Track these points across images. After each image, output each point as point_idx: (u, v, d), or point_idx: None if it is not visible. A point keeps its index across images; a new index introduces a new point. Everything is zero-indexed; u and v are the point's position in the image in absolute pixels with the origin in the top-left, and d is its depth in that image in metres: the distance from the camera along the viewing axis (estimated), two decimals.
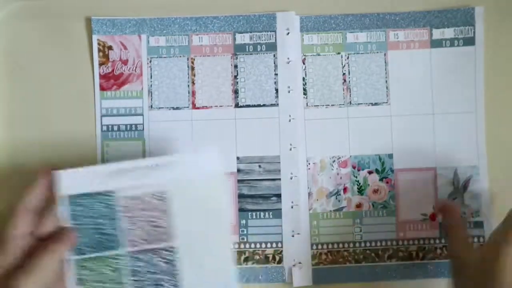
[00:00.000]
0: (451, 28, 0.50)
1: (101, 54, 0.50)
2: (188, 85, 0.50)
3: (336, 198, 0.50)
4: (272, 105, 0.50)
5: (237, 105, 0.50)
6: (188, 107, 0.50)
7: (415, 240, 0.50)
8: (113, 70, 0.50)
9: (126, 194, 0.43)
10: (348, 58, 0.50)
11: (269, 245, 0.49)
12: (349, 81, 0.50)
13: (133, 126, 0.50)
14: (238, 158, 0.50)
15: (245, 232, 0.50)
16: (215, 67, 0.50)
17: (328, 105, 0.50)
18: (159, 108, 0.50)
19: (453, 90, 0.50)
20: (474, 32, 0.50)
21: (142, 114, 0.50)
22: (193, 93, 0.50)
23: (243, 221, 0.50)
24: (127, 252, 0.43)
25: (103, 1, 0.50)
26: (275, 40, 0.50)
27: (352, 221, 0.50)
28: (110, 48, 0.50)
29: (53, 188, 0.42)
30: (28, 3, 0.50)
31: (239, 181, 0.50)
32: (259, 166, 0.50)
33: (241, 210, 0.50)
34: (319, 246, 0.50)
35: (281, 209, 0.49)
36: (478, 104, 0.50)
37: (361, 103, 0.50)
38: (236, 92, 0.50)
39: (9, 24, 0.50)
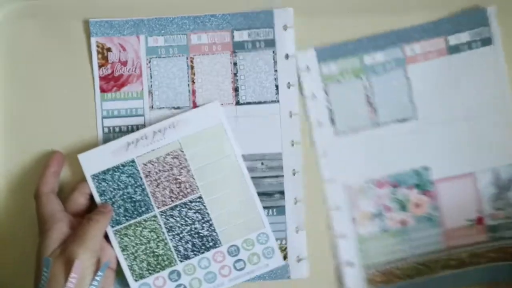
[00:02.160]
0: (466, 32, 0.50)
1: (100, 56, 0.50)
2: (188, 84, 0.50)
3: (380, 219, 0.50)
4: (272, 101, 0.50)
5: (237, 103, 0.50)
6: (188, 106, 0.50)
7: (465, 246, 0.50)
8: (112, 72, 0.50)
9: (144, 160, 0.47)
10: (368, 80, 0.50)
11: None
12: (374, 102, 0.50)
13: (135, 127, 0.50)
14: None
15: None
16: (214, 65, 0.50)
17: (357, 130, 0.50)
18: (160, 108, 0.50)
19: (478, 92, 0.50)
20: (490, 32, 0.50)
21: (143, 115, 0.50)
22: (193, 92, 0.50)
23: None
24: (159, 212, 0.47)
25: (103, 2, 0.50)
26: (274, 36, 0.50)
27: (400, 238, 0.50)
28: (109, 49, 0.50)
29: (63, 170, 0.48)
30: (28, 3, 0.50)
31: None
32: (262, 163, 0.50)
33: None
34: (372, 269, 0.50)
35: (284, 205, 0.50)
36: (506, 101, 0.50)
37: (389, 122, 0.50)
38: (236, 89, 0.50)
39: (9, 24, 0.50)
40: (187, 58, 0.50)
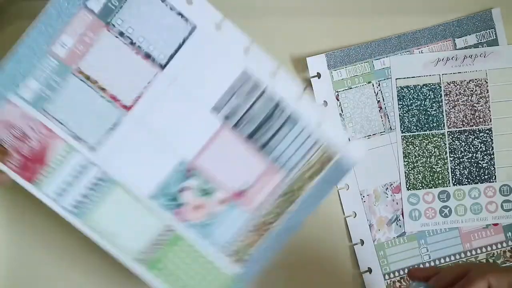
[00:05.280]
0: (473, 35, 0.50)
1: None
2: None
3: (397, 224, 0.50)
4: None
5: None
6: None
7: (483, 248, 0.50)
8: None
9: (448, 79, 0.48)
10: (379, 85, 0.50)
11: None
12: (385, 108, 0.50)
13: None
14: None
15: None
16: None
17: (370, 135, 0.50)
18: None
19: None
20: (495, 34, 0.50)
21: None
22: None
23: None
24: (448, 132, 0.48)
25: None
26: None
27: (417, 242, 0.50)
28: None
29: None
30: (28, 3, 0.49)
31: None
32: None
33: None
34: (391, 275, 0.50)
35: None
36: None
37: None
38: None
39: (9, 24, 0.49)
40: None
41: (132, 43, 0.39)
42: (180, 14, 0.38)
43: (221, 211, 0.40)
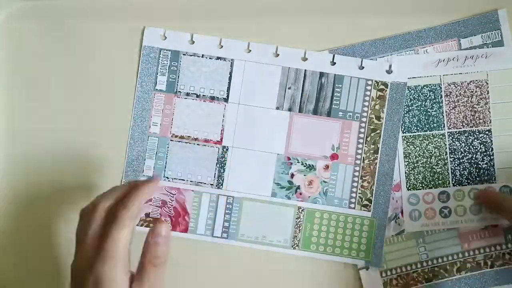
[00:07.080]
0: (478, 35, 0.50)
1: None
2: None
3: (396, 222, 0.50)
4: None
5: None
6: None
7: (481, 249, 0.50)
8: None
9: (449, 80, 0.49)
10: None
11: None
12: None
13: None
14: None
15: None
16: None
17: None
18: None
19: None
20: (501, 35, 0.50)
21: None
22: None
23: None
24: (448, 133, 0.49)
25: (105, 2, 0.50)
26: None
27: (415, 241, 0.50)
28: None
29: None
30: (28, 3, 0.50)
31: None
32: None
33: None
34: (388, 273, 0.50)
35: None
36: None
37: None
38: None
39: (9, 24, 0.50)
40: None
41: (197, 96, 0.50)
42: (218, 58, 0.49)
43: (329, 175, 0.49)
